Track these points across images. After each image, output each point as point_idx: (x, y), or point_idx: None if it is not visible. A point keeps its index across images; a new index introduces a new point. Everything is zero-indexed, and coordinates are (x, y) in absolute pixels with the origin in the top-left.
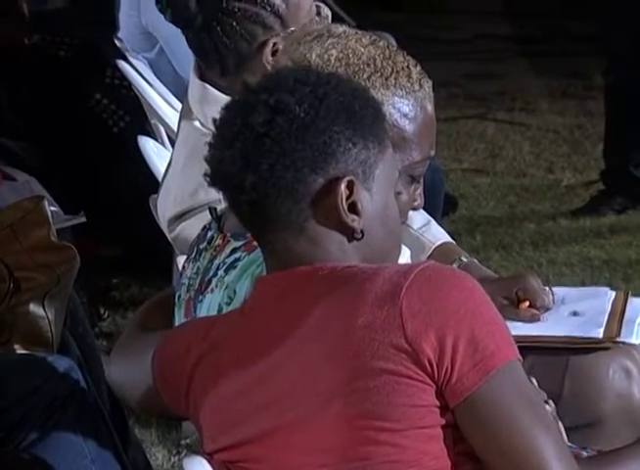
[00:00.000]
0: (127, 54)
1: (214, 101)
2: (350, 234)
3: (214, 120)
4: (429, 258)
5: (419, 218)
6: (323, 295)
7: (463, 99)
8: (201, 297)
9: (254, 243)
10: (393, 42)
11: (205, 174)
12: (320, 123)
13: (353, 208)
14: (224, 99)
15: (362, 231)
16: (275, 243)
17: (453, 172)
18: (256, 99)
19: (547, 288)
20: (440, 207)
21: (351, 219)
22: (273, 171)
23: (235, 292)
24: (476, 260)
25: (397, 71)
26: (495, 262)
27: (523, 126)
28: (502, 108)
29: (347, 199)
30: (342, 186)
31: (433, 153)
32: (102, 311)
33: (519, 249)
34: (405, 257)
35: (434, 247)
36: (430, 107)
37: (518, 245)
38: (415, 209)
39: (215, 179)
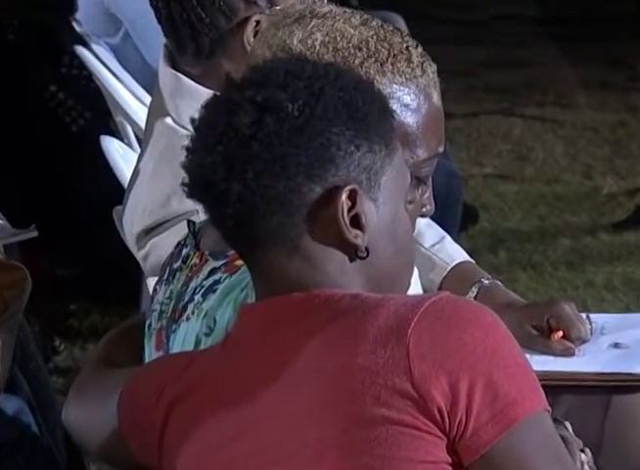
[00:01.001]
0: (87, 39)
1: (189, 93)
2: (353, 252)
3: (193, 121)
4: (444, 281)
5: (431, 234)
6: (318, 329)
7: (483, 91)
8: (175, 326)
9: (238, 262)
10: (403, 24)
11: (183, 184)
12: (316, 123)
13: (356, 221)
14: (199, 91)
15: (367, 249)
16: (264, 263)
17: (473, 178)
18: (242, 96)
19: (584, 315)
20: (458, 219)
21: (354, 235)
22: (262, 180)
23: (215, 321)
24: (499, 283)
25: (395, 55)
26: (523, 285)
27: (555, 124)
28: (531, 102)
29: (349, 211)
30: (344, 196)
31: (441, 149)
32: (57, 343)
33: (551, 269)
34: (413, 276)
35: (449, 268)
36: (435, 95)
37: (550, 264)
38: (424, 215)
39: (194, 189)
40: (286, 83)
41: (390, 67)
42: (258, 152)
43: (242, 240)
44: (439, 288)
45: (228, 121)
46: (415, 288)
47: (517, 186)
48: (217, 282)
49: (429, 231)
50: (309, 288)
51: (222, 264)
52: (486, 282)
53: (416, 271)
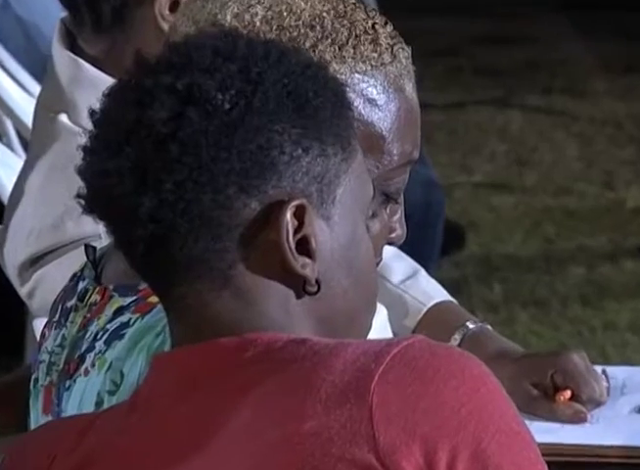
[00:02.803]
0: None
1: (90, 84)
2: (300, 286)
3: (92, 113)
4: (418, 326)
5: (401, 267)
6: (254, 385)
7: (472, 75)
8: (69, 382)
9: (152, 299)
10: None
11: (79, 195)
12: (253, 119)
13: (304, 246)
14: (104, 81)
15: (318, 281)
16: (184, 300)
17: (459, 188)
18: (157, 82)
19: (599, 369)
20: (438, 242)
21: (302, 264)
22: (183, 192)
23: (122, 375)
24: (489, 327)
25: (357, 36)
26: (522, 327)
27: (565, 117)
28: (533, 89)
29: (296, 233)
30: (288, 214)
31: (416, 154)
32: None
33: (559, 306)
34: (380, 317)
35: (425, 310)
36: (408, 87)
37: (558, 299)
38: (392, 242)
39: (93, 203)
40: (214, 67)
41: (352, 51)
42: (178, 156)
43: (156, 270)
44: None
45: (138, 115)
46: (384, 333)
47: (515, 198)
48: (125, 325)
49: (398, 263)
50: (242, 331)
51: (131, 302)
52: (473, 327)
53: (384, 311)
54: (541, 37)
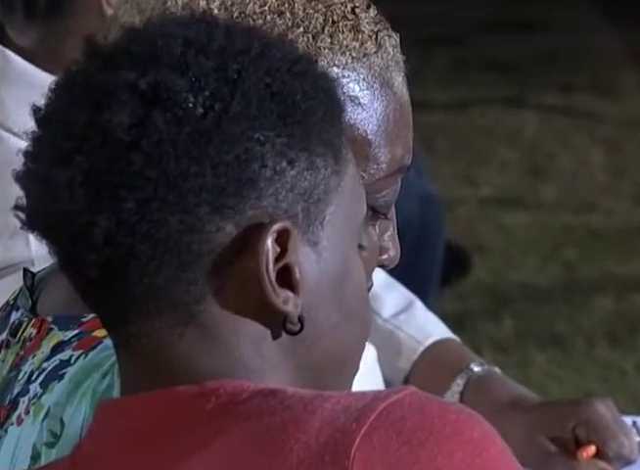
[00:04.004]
0: None
1: (19, 78)
2: (279, 325)
3: (35, 111)
4: (414, 368)
5: (393, 298)
6: (213, 444)
7: (478, 68)
8: None
9: (98, 333)
10: None
11: (17, 207)
12: (231, 127)
13: (286, 277)
14: (39, 77)
15: (301, 319)
16: (140, 338)
17: (462, 205)
18: (115, 78)
19: (629, 421)
20: (437, 268)
21: (283, 299)
22: (145, 212)
23: (63, 423)
24: (498, 370)
25: (334, 23)
26: (538, 371)
27: (589, 119)
28: (551, 85)
29: (277, 261)
30: (269, 240)
31: (408, 161)
32: None
33: (583, 344)
34: (368, 358)
35: (421, 349)
36: (397, 80)
37: (581, 337)
38: (384, 265)
39: (35, 219)
40: (185, 62)
41: (328, 40)
42: (141, 169)
43: (108, 302)
44: (405, 382)
45: (93, 118)
46: (372, 378)
47: (530, 216)
48: (66, 364)
49: (389, 293)
50: (206, 378)
51: (73, 337)
52: (479, 370)
53: (373, 351)
54: (561, 24)
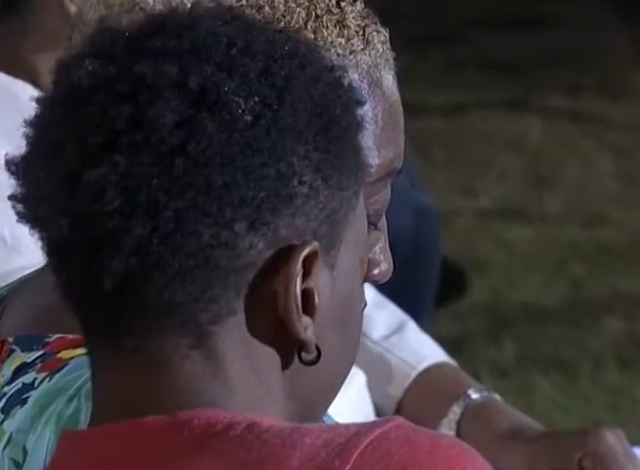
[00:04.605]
0: None
1: None
2: (292, 353)
3: (56, 83)
4: (406, 395)
5: (384, 318)
6: None
7: (478, 69)
8: None
9: (64, 355)
10: None
11: (15, 198)
12: (279, 138)
13: (305, 303)
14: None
15: (319, 349)
16: (137, 353)
17: (460, 217)
18: (158, 71)
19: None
20: (432, 286)
21: (304, 326)
22: (182, 223)
23: (25, 451)
24: (498, 397)
25: (318, 17)
26: (542, 398)
27: (598, 123)
28: (557, 88)
29: (302, 283)
30: (300, 262)
31: (398, 164)
32: None
33: (591, 369)
34: (357, 384)
35: (414, 374)
36: (387, 79)
37: (588, 361)
38: (375, 280)
39: (40, 214)
40: (231, 62)
41: (311, 36)
42: (184, 174)
43: (113, 311)
44: (397, 410)
45: (136, 114)
46: (361, 406)
47: (533, 230)
48: (29, 387)
49: (380, 312)
50: (193, 407)
51: (37, 358)
52: (477, 397)
53: (362, 377)
54: (567, 21)
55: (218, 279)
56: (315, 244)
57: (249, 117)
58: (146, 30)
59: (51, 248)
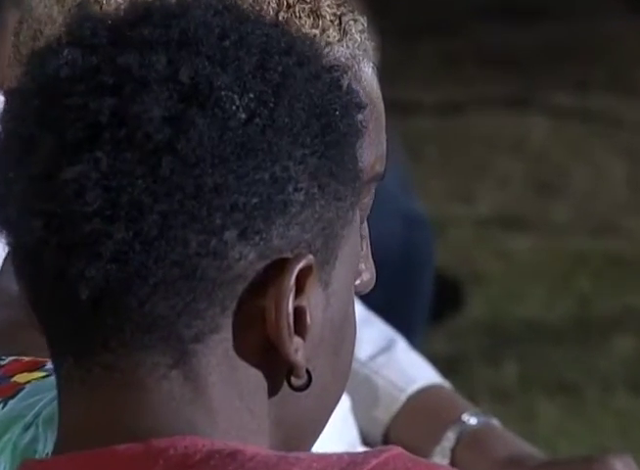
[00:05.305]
0: None
1: None
2: (280, 377)
3: (28, 77)
4: (395, 421)
5: (371, 336)
6: None
7: (476, 63)
8: None
9: (18, 378)
10: None
11: None
12: (275, 139)
13: (296, 322)
14: None
15: (310, 373)
16: (111, 371)
17: (456, 225)
18: (145, 62)
19: None
20: (425, 301)
21: (295, 347)
22: (167, 228)
23: None
24: (497, 422)
25: (290, 6)
26: (546, 423)
27: (607, 123)
28: (563, 85)
29: (294, 300)
30: (293, 277)
31: (380, 168)
32: None
33: (597, 392)
34: (340, 409)
35: (404, 398)
36: (367, 73)
37: (596, 383)
38: (357, 291)
39: (11, 214)
40: (225, 54)
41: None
42: (171, 174)
43: (87, 324)
44: (385, 438)
45: (117, 107)
46: (345, 432)
47: (536, 240)
48: None
49: (367, 330)
50: (170, 434)
51: None
52: (473, 421)
53: (347, 401)
54: (574, 12)
55: (204, 292)
56: (310, 257)
57: (243, 115)
58: (130, 19)
59: (20, 252)
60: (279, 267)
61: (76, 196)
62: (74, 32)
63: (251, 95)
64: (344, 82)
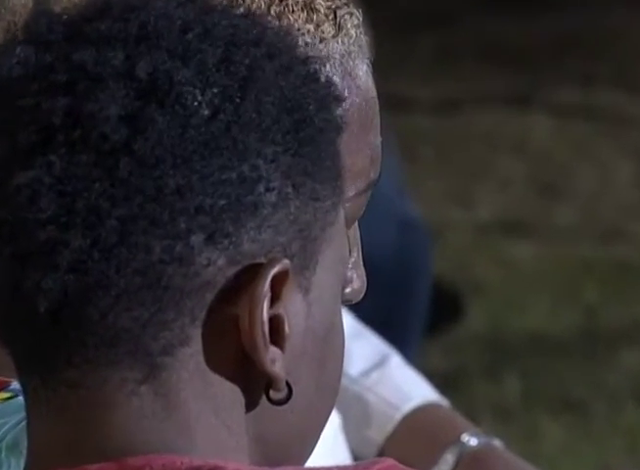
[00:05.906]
0: None
1: None
2: (258, 391)
3: None
4: (390, 440)
5: (363, 350)
6: None
7: (475, 57)
8: None
9: None
10: None
11: None
12: (241, 135)
13: (273, 332)
14: None
15: (290, 386)
16: (77, 389)
17: (454, 231)
18: (101, 58)
19: None
20: (421, 312)
21: (271, 358)
22: (127, 234)
23: None
24: (499, 442)
25: (282, 0)
26: (550, 442)
27: (616, 122)
28: (567, 79)
29: (270, 308)
30: (267, 284)
31: (374, 174)
32: None
33: (605, 409)
34: (331, 426)
35: (399, 417)
36: (362, 70)
37: (603, 399)
38: (347, 299)
39: None
40: (187, 48)
41: (275, 22)
42: (129, 176)
43: (49, 338)
44: (380, 455)
45: (73, 107)
46: (335, 453)
47: (539, 246)
48: None
49: (358, 344)
50: (143, 454)
51: None
52: (473, 442)
53: (337, 419)
54: (580, 2)
55: (171, 301)
56: (286, 262)
57: (205, 112)
58: (87, 14)
59: None
60: (252, 273)
61: (30, 202)
62: (30, 29)
63: (215, 90)
64: (322, 75)
